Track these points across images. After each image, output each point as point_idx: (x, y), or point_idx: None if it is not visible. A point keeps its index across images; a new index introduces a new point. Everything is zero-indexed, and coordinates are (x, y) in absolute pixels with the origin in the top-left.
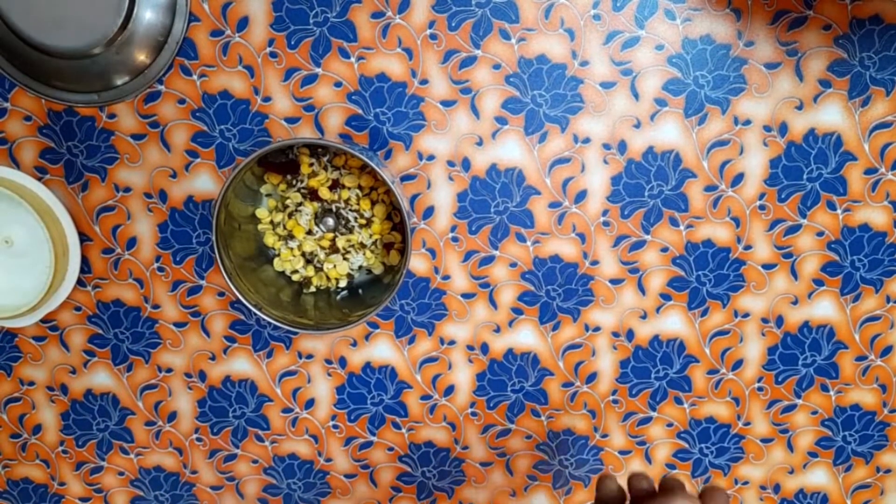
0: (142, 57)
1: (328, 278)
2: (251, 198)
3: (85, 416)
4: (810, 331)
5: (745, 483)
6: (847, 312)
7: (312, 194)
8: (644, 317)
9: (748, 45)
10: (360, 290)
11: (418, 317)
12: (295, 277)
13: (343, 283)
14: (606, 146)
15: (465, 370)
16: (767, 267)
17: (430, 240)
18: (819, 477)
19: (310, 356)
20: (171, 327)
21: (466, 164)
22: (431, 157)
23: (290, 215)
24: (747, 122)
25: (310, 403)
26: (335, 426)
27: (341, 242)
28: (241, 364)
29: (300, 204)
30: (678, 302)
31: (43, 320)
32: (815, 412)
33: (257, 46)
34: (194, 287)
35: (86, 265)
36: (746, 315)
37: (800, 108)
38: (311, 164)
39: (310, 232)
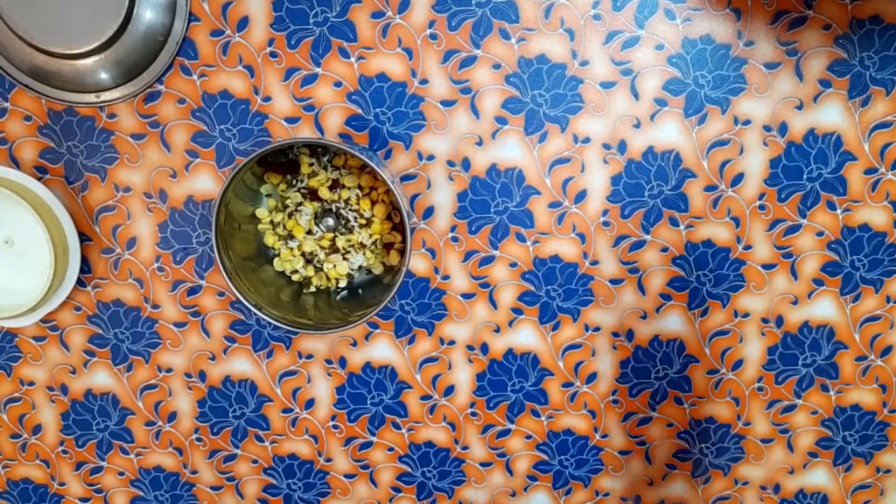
0: (142, 57)
1: (328, 278)
2: (251, 198)
3: (85, 416)
4: (810, 331)
5: (745, 483)
6: (847, 312)
7: (312, 194)
8: (644, 317)
9: (748, 45)
10: (360, 290)
11: (418, 317)
12: (295, 277)
13: (343, 283)
14: (606, 146)
15: (465, 370)
16: (767, 267)
17: (430, 240)
18: (819, 477)
19: (310, 356)
20: (171, 327)
21: (466, 164)
22: (431, 157)
23: (290, 215)
24: (747, 122)
25: (310, 403)
26: (335, 426)
27: (341, 242)
28: (241, 364)
29: (300, 204)
30: (678, 302)
31: (43, 320)
32: (815, 412)
33: (257, 46)
34: (194, 287)
35: (86, 265)
36: (746, 315)
37: (800, 107)
38: (311, 164)
39: (310, 232)
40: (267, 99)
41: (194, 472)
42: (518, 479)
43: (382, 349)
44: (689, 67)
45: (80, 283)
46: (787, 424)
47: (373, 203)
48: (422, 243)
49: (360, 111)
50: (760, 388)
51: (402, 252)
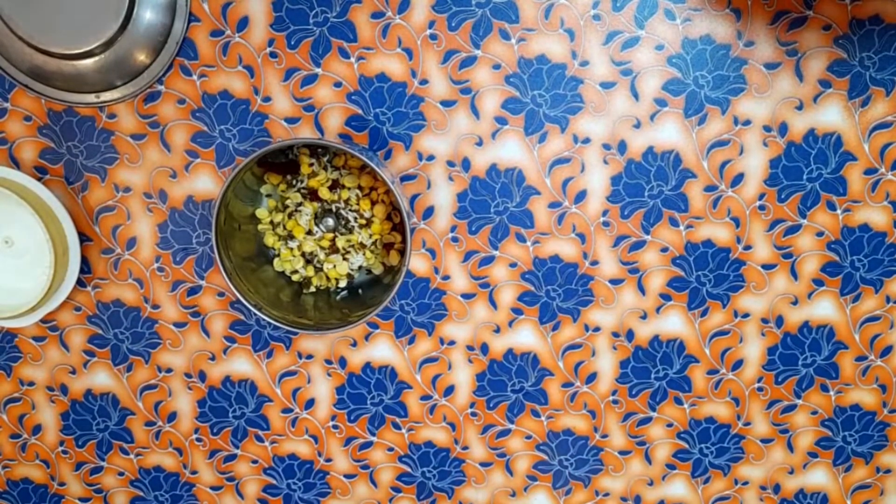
0: (142, 57)
1: (328, 278)
2: (251, 198)
3: (85, 417)
4: (810, 331)
5: (745, 483)
6: (847, 312)
7: (312, 194)
8: (644, 317)
9: (748, 46)
10: (360, 291)
11: (418, 317)
12: (295, 277)
13: (343, 284)
14: (606, 146)
15: (464, 370)
16: (767, 267)
17: (430, 240)
18: (819, 477)
19: (310, 356)
20: (171, 327)
21: (466, 164)
22: (431, 157)
23: (289, 215)
24: (747, 123)
25: (310, 403)
26: (335, 426)
27: (341, 242)
28: (241, 364)
29: (300, 204)
30: (678, 302)
31: (43, 320)
32: (814, 412)
33: (257, 46)
34: (194, 287)
35: (86, 265)
36: (746, 315)
37: (800, 108)
38: (311, 165)
39: (310, 232)
40: (267, 99)
41: (194, 473)
42: (518, 479)
43: (382, 349)
44: (689, 68)
45: (80, 283)
46: (787, 424)
47: (373, 203)
48: (422, 243)
49: (360, 111)
50: (760, 389)
51: (402, 252)
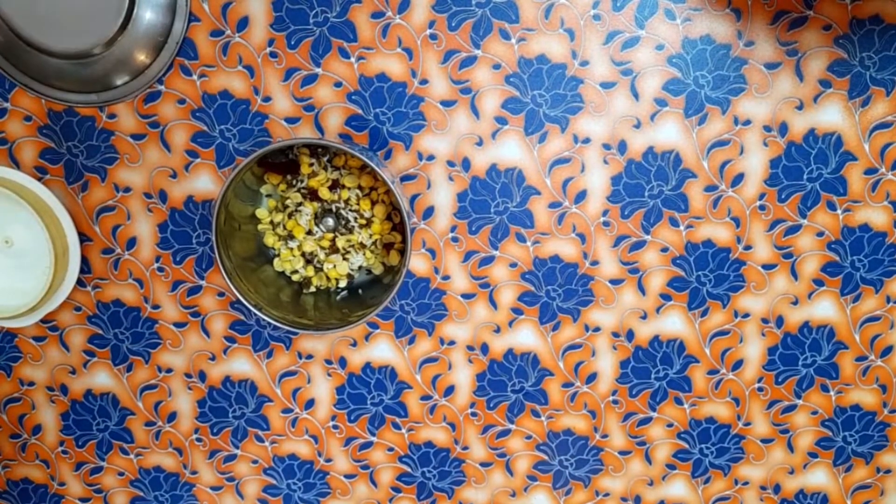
0: (142, 57)
1: (328, 278)
2: (251, 198)
3: (85, 417)
4: (810, 331)
5: (745, 483)
6: (847, 313)
7: (312, 194)
8: (644, 317)
9: (748, 45)
10: (360, 291)
11: (418, 317)
12: (295, 277)
13: (343, 284)
14: (606, 146)
15: (465, 370)
16: (767, 267)
17: (430, 240)
18: (819, 477)
19: (310, 356)
20: (171, 327)
21: (466, 164)
22: (431, 157)
23: (290, 215)
24: (747, 122)
25: (310, 404)
26: (335, 426)
27: (341, 242)
28: (241, 364)
29: (300, 204)
30: (678, 302)
31: (43, 320)
32: (815, 412)
33: (257, 46)
34: (194, 287)
35: (86, 265)
36: (746, 315)
37: (800, 108)
38: (311, 164)
39: (310, 232)
40: (267, 99)
41: (194, 473)
42: (518, 479)
43: (382, 349)
44: (689, 67)
45: (80, 283)
46: (787, 425)
47: (373, 203)
48: (422, 243)
49: (360, 111)
50: (760, 389)
51: (402, 252)
